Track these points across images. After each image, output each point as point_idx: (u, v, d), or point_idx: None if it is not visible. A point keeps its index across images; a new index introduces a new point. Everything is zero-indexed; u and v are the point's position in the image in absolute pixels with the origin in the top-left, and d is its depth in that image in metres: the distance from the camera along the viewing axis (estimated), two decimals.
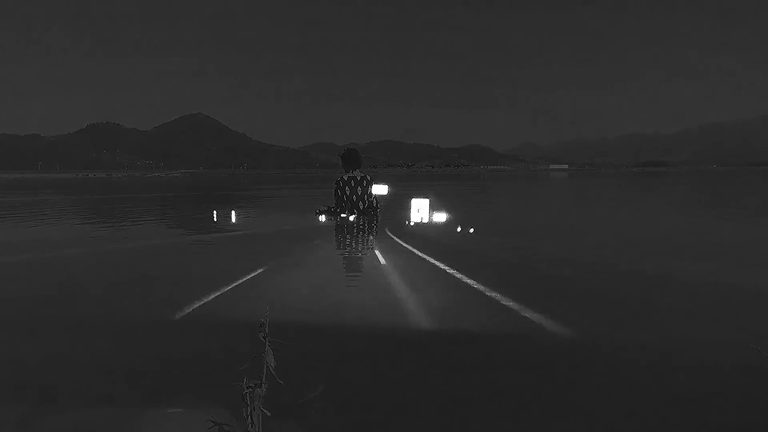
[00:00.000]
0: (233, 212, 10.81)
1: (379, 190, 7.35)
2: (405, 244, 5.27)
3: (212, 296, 3.08)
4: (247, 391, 1.05)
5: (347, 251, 5.19)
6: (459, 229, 7.00)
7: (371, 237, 5.90)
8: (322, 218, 7.24)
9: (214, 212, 11.09)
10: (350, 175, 6.88)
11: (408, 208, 8.36)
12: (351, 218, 6.85)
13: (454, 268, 3.94)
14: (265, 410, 1.07)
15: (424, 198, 8.92)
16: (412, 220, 8.00)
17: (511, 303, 2.87)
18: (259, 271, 3.96)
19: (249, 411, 1.06)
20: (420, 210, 8.52)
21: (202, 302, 2.94)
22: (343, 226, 6.58)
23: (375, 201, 6.98)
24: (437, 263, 4.23)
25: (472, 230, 6.89)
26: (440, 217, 8.55)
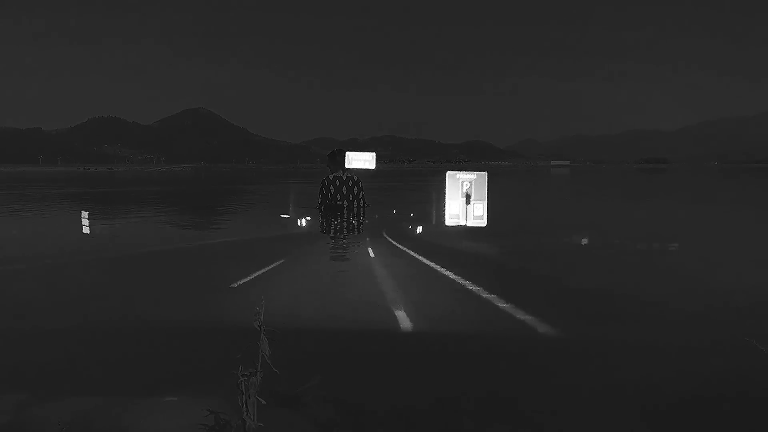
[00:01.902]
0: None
1: (363, 161, 6.56)
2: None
3: None
4: (242, 379, 1.05)
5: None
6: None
7: (370, 251, 4.36)
8: (303, 222, 6.68)
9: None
10: (336, 174, 6.95)
11: (436, 198, 6.70)
12: (303, 222, 6.68)
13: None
14: (260, 398, 1.07)
15: (473, 172, 5.05)
16: (449, 218, 5.11)
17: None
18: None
19: (244, 399, 1.05)
20: (472, 196, 4.87)
21: None
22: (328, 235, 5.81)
23: (363, 201, 7.03)
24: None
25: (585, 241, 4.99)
26: None
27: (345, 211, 6.90)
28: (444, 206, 5.09)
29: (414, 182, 25.25)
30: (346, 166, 6.90)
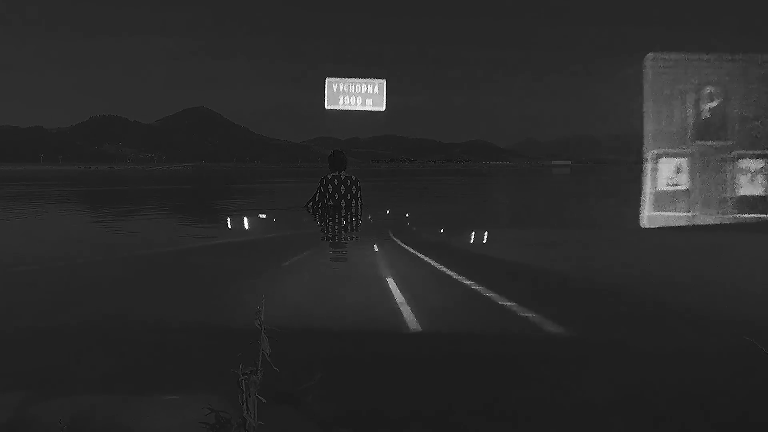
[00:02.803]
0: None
1: (364, 97, 6.24)
2: None
3: None
4: (242, 377, 1.05)
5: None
6: None
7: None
8: (245, 223, 6.48)
9: None
10: (334, 174, 7.31)
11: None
12: (246, 223, 6.56)
13: None
14: (260, 397, 1.07)
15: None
16: (644, 207, 3.39)
17: None
18: None
19: (245, 397, 1.05)
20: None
21: None
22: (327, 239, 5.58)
23: (360, 201, 7.34)
24: None
25: None
26: None
27: (343, 211, 7.15)
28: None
29: (417, 182, 25.21)
30: (327, 107, 6.81)
